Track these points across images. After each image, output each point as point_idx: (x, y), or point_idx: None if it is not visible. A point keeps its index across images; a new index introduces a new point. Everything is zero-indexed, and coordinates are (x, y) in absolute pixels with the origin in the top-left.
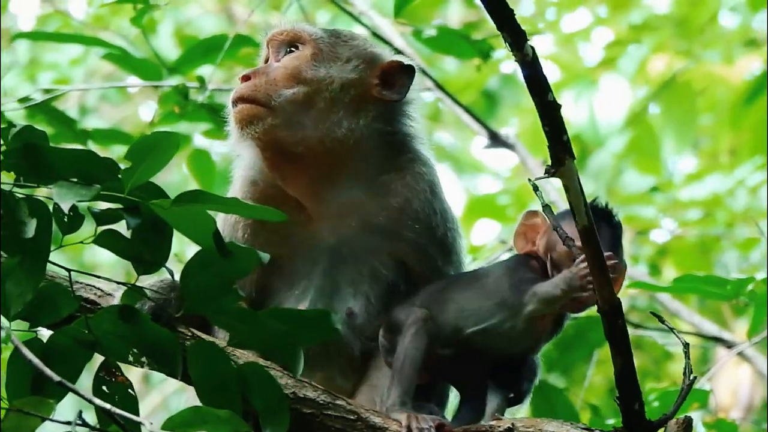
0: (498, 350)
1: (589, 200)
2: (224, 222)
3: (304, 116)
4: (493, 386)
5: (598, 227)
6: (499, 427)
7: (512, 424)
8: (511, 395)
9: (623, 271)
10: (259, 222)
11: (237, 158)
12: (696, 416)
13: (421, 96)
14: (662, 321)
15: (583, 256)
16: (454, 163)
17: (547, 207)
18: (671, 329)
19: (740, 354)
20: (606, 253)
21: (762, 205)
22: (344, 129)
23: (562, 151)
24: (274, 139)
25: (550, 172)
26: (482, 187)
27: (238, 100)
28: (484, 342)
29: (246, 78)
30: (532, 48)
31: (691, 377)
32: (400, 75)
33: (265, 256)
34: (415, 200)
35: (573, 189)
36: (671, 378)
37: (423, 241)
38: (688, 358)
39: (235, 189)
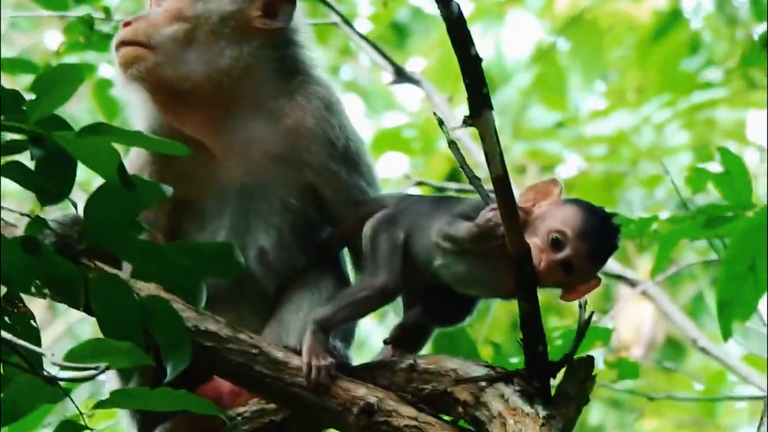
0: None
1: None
2: (130, 166)
3: (186, 52)
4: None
5: (596, 234)
6: (401, 363)
7: (414, 360)
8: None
9: (597, 285)
10: (165, 164)
11: (130, 107)
12: (598, 354)
13: (306, 23)
14: None
15: (494, 205)
16: (365, 98)
17: (452, 144)
18: None
19: (643, 293)
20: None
21: (667, 142)
22: (228, 59)
23: (481, 103)
24: (159, 78)
25: (468, 123)
26: (391, 123)
27: (120, 44)
28: (447, 281)
29: (127, 24)
30: (458, 5)
31: (588, 314)
32: (282, 4)
33: (168, 189)
34: (308, 118)
35: (488, 139)
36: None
37: (323, 158)
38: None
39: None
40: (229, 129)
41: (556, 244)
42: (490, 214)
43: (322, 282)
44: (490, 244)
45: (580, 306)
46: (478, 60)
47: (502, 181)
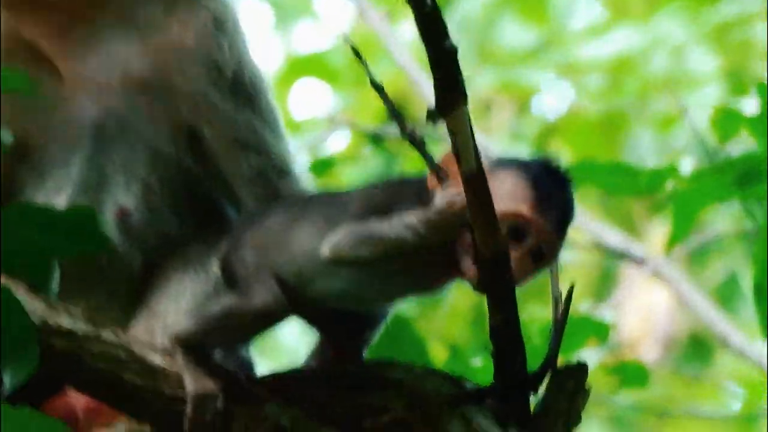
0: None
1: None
2: None
3: None
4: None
5: (554, 198)
6: (324, 372)
7: (343, 368)
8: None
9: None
10: None
11: None
12: (594, 356)
13: None
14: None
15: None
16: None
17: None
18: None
19: (655, 273)
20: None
21: (687, 70)
22: None
23: (455, 97)
24: None
25: (435, 118)
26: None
27: None
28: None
29: None
30: None
31: (568, 290)
32: None
33: (7, 135)
34: (188, 35)
35: (462, 135)
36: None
37: (201, 85)
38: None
39: None
40: (85, 43)
41: (515, 232)
42: (452, 193)
43: (209, 257)
44: (448, 234)
45: (554, 297)
46: (453, 51)
47: (476, 179)
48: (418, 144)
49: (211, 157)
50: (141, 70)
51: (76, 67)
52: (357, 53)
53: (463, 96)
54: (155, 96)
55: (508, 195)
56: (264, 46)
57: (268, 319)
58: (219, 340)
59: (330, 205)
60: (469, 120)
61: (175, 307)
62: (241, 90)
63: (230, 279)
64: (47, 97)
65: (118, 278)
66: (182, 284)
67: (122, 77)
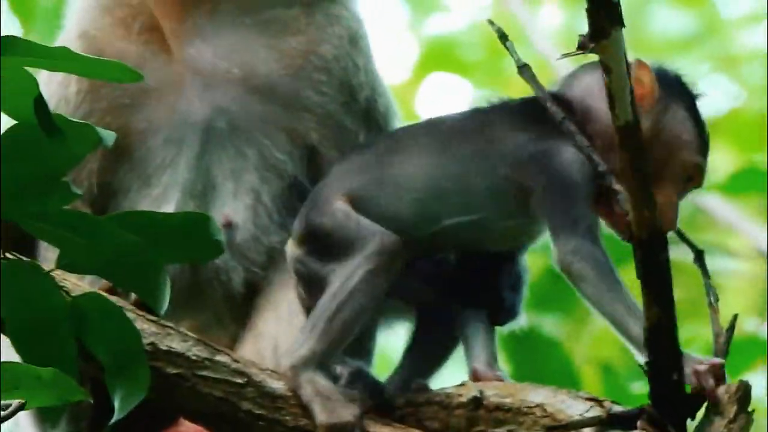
0: (476, 248)
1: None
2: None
3: None
4: (461, 304)
5: (708, 136)
6: (460, 396)
7: (480, 392)
8: (492, 314)
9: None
10: (94, 90)
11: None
12: (759, 379)
13: None
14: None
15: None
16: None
17: (526, 66)
18: (682, 236)
19: None
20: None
21: None
22: None
23: (607, 17)
24: None
25: (588, 46)
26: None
27: None
28: (459, 240)
29: None
30: None
31: (732, 319)
32: None
33: (110, 135)
34: (325, 44)
35: (617, 71)
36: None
37: (336, 106)
38: (707, 276)
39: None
40: (206, 31)
41: (689, 180)
42: None
43: None
44: None
45: (710, 302)
46: None
47: (631, 132)
48: (571, 134)
49: (321, 178)
50: (268, 70)
51: (191, 57)
52: (502, 35)
53: (618, 20)
54: (279, 102)
55: (687, 137)
56: (399, 43)
57: (377, 280)
58: (339, 345)
59: (430, 131)
60: (625, 53)
61: (287, 328)
62: (373, 118)
63: (320, 249)
64: (151, 92)
65: (218, 295)
66: (292, 304)
67: (243, 74)
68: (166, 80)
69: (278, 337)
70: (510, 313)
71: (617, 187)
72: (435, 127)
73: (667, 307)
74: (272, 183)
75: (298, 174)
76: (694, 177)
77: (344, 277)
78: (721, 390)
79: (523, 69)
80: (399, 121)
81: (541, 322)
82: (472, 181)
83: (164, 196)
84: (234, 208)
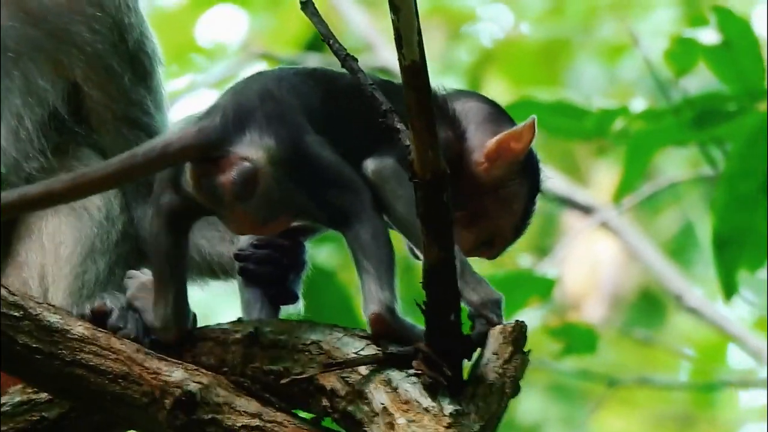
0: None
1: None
2: None
3: None
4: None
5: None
6: (236, 333)
7: (255, 329)
8: (276, 298)
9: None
10: None
11: None
12: (534, 317)
13: None
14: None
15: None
16: None
17: (307, 4)
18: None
19: (603, 224)
20: None
21: None
22: None
23: None
24: None
25: None
26: None
27: None
28: None
29: None
30: None
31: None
32: None
33: None
34: None
35: (405, 11)
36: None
37: (106, 46)
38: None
39: None
40: None
41: (488, 241)
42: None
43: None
44: None
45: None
46: None
47: (417, 72)
48: (356, 71)
49: (90, 120)
50: (38, 2)
51: None
52: None
53: None
54: (48, 30)
55: (512, 213)
56: None
57: None
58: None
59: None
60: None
61: (52, 255)
62: (139, 63)
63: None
64: None
65: None
66: (57, 234)
67: (16, 2)
68: None
69: (45, 266)
70: (294, 298)
71: (400, 126)
72: None
73: (447, 248)
74: (36, 111)
75: (59, 108)
76: (494, 244)
77: (374, 217)
78: (496, 330)
79: (306, 5)
80: (163, 67)
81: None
82: None
83: None
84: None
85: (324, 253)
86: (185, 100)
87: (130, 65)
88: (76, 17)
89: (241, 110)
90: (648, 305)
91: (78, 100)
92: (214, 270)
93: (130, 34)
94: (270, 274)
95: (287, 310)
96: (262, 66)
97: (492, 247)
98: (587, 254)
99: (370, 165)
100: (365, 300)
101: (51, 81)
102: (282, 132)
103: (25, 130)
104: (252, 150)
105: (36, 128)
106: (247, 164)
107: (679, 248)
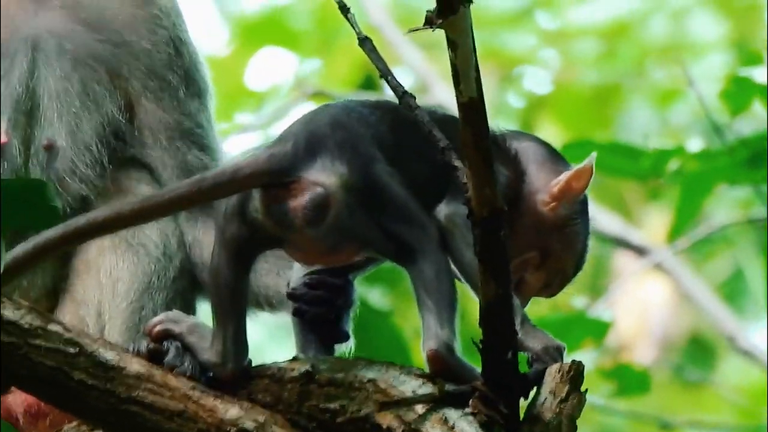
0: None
1: None
2: None
3: None
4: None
5: None
6: (292, 371)
7: (312, 366)
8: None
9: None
10: None
11: None
12: (587, 358)
13: None
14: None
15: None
16: None
17: (367, 39)
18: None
19: (656, 265)
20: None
21: (691, 37)
22: None
23: None
24: None
25: (435, 22)
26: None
27: None
28: None
29: None
30: None
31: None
32: None
33: None
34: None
35: (462, 46)
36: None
37: (162, 59)
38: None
39: None
40: None
41: (552, 281)
42: None
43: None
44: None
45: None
46: None
47: (475, 109)
48: (414, 108)
49: (143, 132)
50: (98, 5)
51: None
52: (343, 6)
53: None
54: (106, 43)
55: (575, 252)
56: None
57: None
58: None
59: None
60: (472, 31)
61: (111, 292)
62: (193, 80)
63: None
64: None
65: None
66: (116, 263)
67: (74, 2)
68: None
69: (102, 302)
70: (346, 337)
71: (458, 163)
72: None
73: (504, 285)
74: (93, 115)
75: (114, 115)
76: (554, 283)
77: (438, 253)
78: (553, 369)
79: (364, 42)
80: (212, 98)
81: (368, 295)
82: None
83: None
84: (57, 131)
85: (376, 294)
86: (236, 140)
87: (184, 80)
88: (135, 29)
89: (312, 138)
90: (699, 348)
91: (132, 112)
92: (259, 302)
93: (185, 50)
94: (323, 314)
95: (340, 349)
96: (314, 106)
97: (552, 287)
98: (639, 296)
99: (443, 209)
100: (424, 336)
101: (108, 90)
102: (353, 159)
103: (83, 134)
104: (324, 175)
105: (93, 134)
106: (319, 189)
107: (731, 293)
